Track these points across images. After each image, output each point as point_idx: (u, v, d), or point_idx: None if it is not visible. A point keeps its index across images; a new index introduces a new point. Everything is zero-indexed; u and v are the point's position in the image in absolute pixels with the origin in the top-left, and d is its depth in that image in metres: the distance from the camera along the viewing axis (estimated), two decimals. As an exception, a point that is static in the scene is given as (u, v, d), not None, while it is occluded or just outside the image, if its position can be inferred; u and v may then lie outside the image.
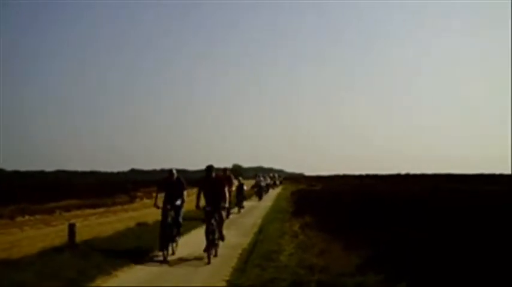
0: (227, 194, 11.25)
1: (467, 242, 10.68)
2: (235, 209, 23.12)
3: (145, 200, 39.58)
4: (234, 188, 19.77)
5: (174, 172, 11.65)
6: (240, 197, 24.32)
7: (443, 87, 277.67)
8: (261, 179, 36.97)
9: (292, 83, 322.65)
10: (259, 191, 34.89)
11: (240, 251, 11.42)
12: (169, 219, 10.99)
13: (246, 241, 13.28)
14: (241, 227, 17.10)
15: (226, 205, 11.33)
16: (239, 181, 24.54)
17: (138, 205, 33.96)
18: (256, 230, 15.68)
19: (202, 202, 11.03)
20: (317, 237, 12.96)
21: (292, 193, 42.45)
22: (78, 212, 27.84)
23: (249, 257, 10.54)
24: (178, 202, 11.40)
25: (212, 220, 10.73)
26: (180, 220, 11.56)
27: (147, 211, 27.30)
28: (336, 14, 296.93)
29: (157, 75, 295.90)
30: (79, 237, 11.84)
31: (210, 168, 11.07)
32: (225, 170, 18.88)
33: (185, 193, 11.54)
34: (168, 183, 11.66)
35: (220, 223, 11.27)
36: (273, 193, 43.70)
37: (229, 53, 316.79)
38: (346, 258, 9.58)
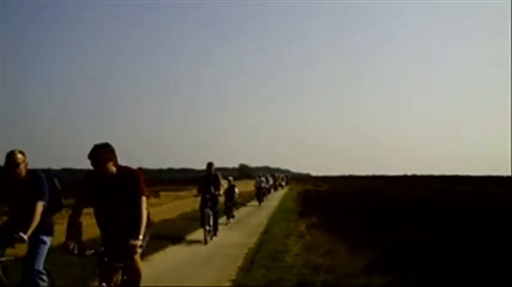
0: (143, 214, 4.89)
1: (473, 243, 10.63)
2: (223, 219, 17.96)
3: (152, 199, 39.54)
4: (222, 192, 14.29)
5: (19, 156, 5.48)
6: (230, 203, 19.06)
7: (449, 88, 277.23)
8: (262, 179, 32.54)
9: (300, 83, 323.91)
10: (259, 194, 30.88)
11: (245, 251, 11.40)
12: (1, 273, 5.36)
13: (251, 240, 13.27)
14: (246, 227, 17.11)
15: (140, 242, 4.61)
16: (229, 182, 19.95)
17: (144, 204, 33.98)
18: (262, 230, 15.66)
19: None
20: (323, 237, 12.93)
21: (299, 193, 42.45)
22: (84, 210, 27.89)
23: (255, 257, 10.53)
24: (26, 237, 5.26)
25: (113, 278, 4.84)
26: (39, 266, 5.54)
27: (153, 209, 27.34)
28: (346, 14, 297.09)
29: (164, 74, 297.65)
30: (85, 235, 11.85)
31: (96, 153, 4.74)
32: (209, 165, 13.51)
33: (40, 206, 5.45)
34: (5, 185, 5.56)
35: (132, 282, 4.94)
36: (278, 194, 43.47)
37: (236, 53, 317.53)
38: (353, 259, 9.55)
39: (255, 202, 30.78)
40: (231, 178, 20.42)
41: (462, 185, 49.24)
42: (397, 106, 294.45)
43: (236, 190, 19.90)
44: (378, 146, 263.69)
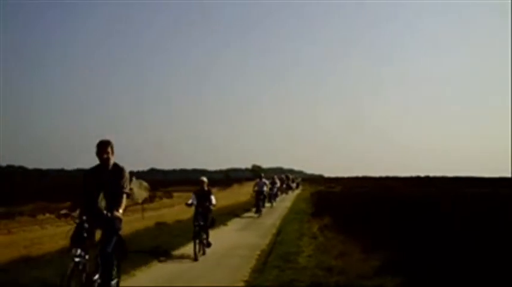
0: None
1: (486, 246, 10.56)
2: (189, 249, 11.07)
3: (165, 200, 39.83)
4: (120, 214, 6.19)
5: None
6: (203, 222, 11.11)
7: (462, 90, 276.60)
8: (265, 182, 24.93)
9: (314, 85, 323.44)
10: (260, 201, 23.06)
11: (258, 252, 11.39)
12: None
13: (264, 242, 13.25)
14: (259, 228, 17.08)
15: None
16: (202, 186, 11.69)
17: (157, 205, 34.16)
18: (274, 231, 15.64)
19: None
20: (336, 239, 12.89)
21: (312, 194, 42.39)
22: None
23: (268, 258, 10.52)
24: None
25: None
26: None
27: (166, 210, 27.47)
28: (363, 15, 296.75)
29: (176, 74, 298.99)
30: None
31: None
32: (101, 146, 6.34)
33: None
34: None
35: None
36: (289, 196, 43.40)
37: (251, 53, 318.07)
38: (365, 260, 9.51)
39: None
40: (204, 179, 11.86)
41: (475, 187, 48.92)
42: (411, 108, 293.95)
43: (213, 199, 11.63)
44: (391, 147, 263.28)
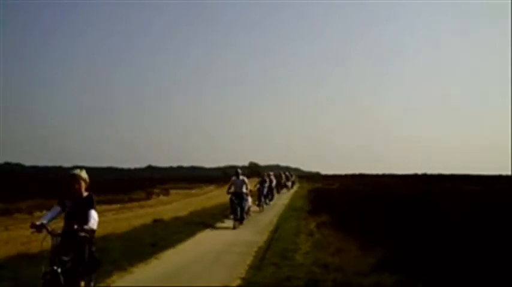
0: None
1: (483, 243, 10.57)
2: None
3: (162, 197, 39.79)
4: None
5: None
6: (73, 263, 5.73)
7: (460, 87, 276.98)
8: (243, 180, 17.64)
9: (312, 83, 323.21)
10: (237, 205, 16.70)
11: (255, 249, 11.40)
12: None
13: (261, 239, 13.26)
14: (257, 225, 17.07)
15: None
16: (81, 186, 6.03)
17: (154, 202, 34.10)
18: (272, 229, 15.65)
19: None
20: (333, 236, 12.92)
21: (309, 191, 42.38)
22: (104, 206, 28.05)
23: (265, 255, 10.53)
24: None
25: None
26: None
27: (163, 207, 27.43)
28: (363, 15, 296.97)
29: (174, 71, 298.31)
30: (95, 232, 11.93)
31: None
32: None
33: None
34: None
35: None
36: (285, 194, 43.43)
37: (249, 51, 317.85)
38: (362, 257, 9.53)
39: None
40: (81, 174, 6.17)
41: (472, 184, 48.94)
42: (410, 107, 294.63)
43: (94, 217, 5.85)
44: (390, 146, 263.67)
